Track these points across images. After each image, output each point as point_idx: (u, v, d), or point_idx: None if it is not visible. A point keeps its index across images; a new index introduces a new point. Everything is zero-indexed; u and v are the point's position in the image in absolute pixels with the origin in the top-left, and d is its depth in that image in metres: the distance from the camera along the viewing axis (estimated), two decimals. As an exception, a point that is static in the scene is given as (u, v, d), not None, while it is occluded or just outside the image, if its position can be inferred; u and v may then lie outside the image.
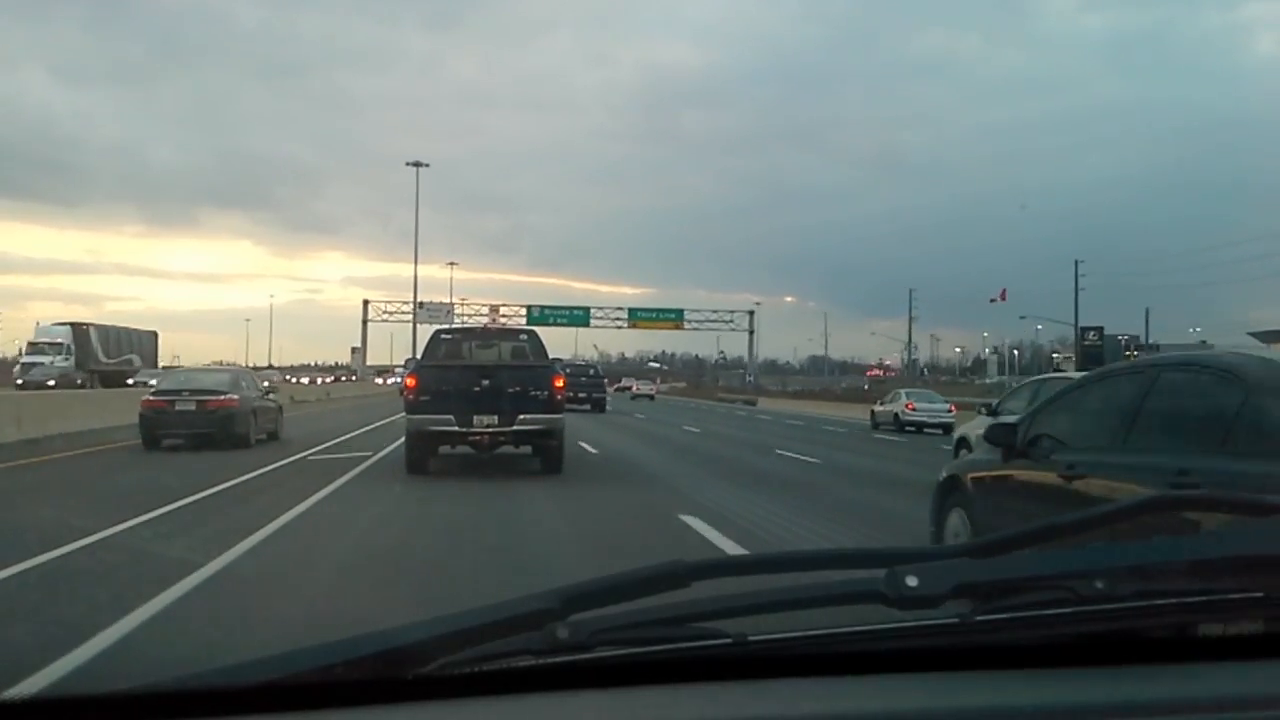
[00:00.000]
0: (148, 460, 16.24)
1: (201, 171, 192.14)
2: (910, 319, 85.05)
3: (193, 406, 17.94)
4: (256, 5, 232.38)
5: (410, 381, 13.94)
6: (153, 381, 27.18)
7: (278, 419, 20.63)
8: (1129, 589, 1.30)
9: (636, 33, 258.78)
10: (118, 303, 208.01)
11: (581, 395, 35.38)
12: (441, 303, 77.29)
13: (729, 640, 1.25)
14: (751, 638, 1.26)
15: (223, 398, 18.17)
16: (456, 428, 13.38)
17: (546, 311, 77.64)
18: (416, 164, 61.81)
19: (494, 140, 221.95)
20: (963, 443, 16.63)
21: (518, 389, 13.52)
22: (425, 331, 55.40)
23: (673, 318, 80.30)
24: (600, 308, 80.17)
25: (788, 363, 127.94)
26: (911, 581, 1.23)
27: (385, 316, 78.59)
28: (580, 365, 44.57)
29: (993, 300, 67.54)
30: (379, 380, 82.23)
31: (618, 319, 79.67)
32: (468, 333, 16.24)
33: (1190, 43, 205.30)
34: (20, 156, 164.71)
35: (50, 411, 20.70)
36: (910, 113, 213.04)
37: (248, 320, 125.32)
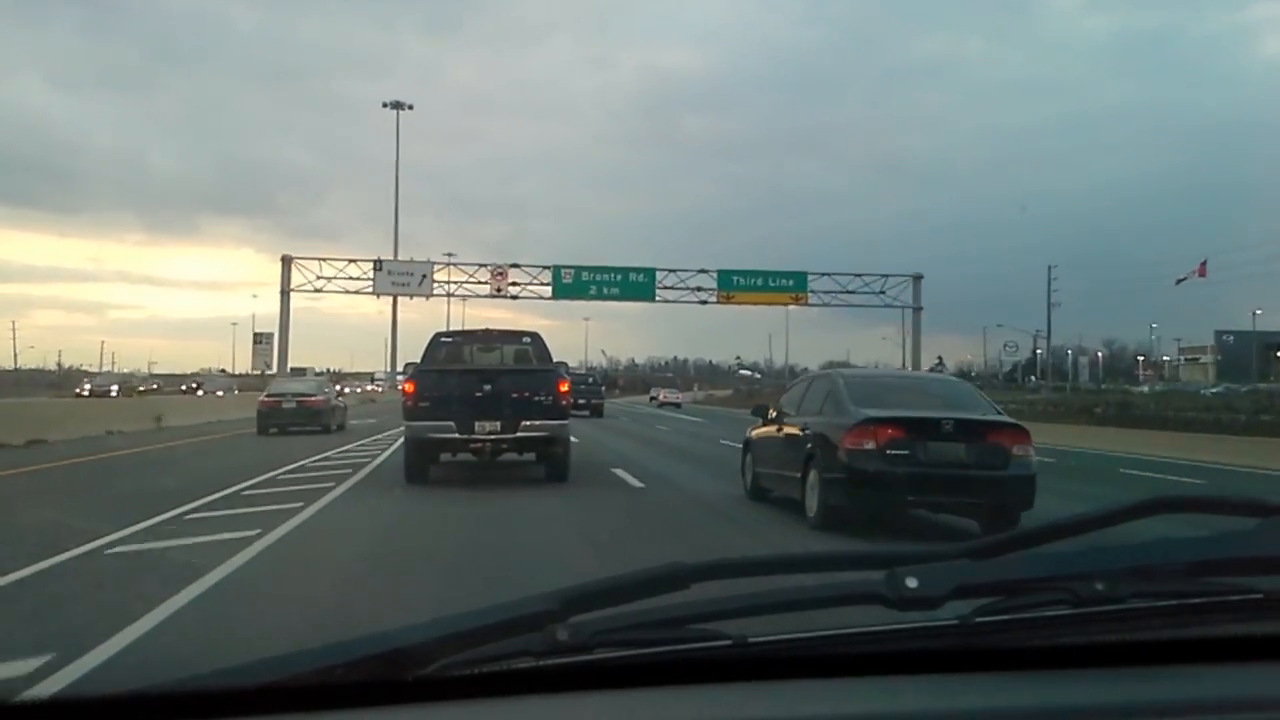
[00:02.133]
0: (275, 440, 23.60)
1: (202, 178, 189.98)
2: (1049, 305, 64.51)
3: (294, 405, 25.98)
4: (252, 9, 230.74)
5: (409, 387, 13.53)
6: None
7: (344, 415, 28.77)
8: (1129, 590, 1.30)
9: (637, 37, 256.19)
10: (120, 311, 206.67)
11: (581, 401, 39.11)
12: (411, 261, 48.72)
13: (729, 642, 1.26)
14: (751, 639, 1.26)
15: (314, 398, 26.71)
16: (457, 434, 13.01)
17: (584, 278, 46.85)
18: (396, 105, 53.47)
19: (494, 146, 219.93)
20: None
21: (521, 394, 13.12)
22: (383, 303, 47.54)
23: (791, 287, 48.44)
24: (674, 271, 47.85)
25: (805, 369, 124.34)
26: (911, 583, 1.23)
27: (322, 284, 46.50)
28: (580, 375, 47.04)
29: (1180, 280, 52.15)
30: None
31: (701, 290, 47.49)
32: (469, 336, 15.77)
33: (1196, 45, 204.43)
34: (18, 163, 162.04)
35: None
36: (913, 117, 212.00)
37: (234, 324, 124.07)
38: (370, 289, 46.08)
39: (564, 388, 13.54)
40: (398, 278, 46.35)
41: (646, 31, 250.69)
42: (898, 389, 11.39)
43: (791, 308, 50.25)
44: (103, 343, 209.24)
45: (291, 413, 25.66)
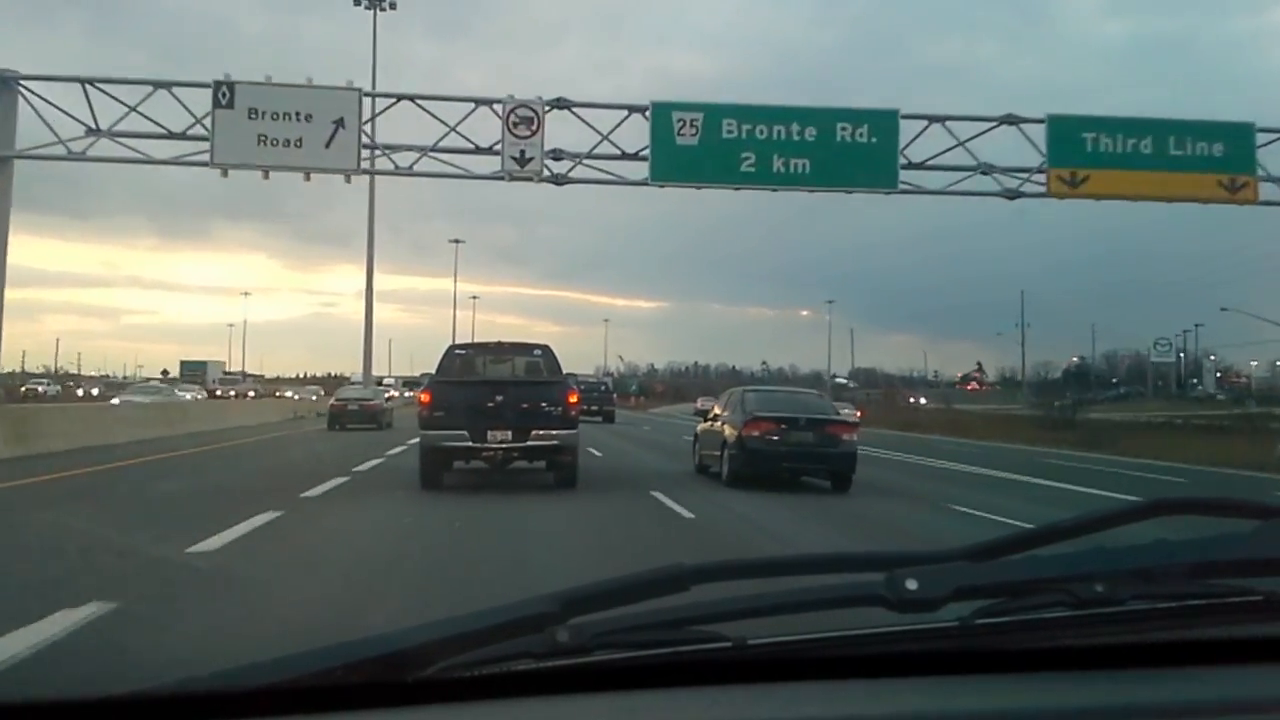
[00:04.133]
0: (345, 434, 28.93)
1: (213, 183, 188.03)
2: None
3: (357, 407, 33.62)
4: (257, 11, 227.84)
5: (424, 397, 14.02)
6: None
7: (392, 414, 35.69)
8: (1129, 592, 1.30)
9: (646, 40, 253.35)
10: (134, 316, 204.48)
11: (594, 409, 41.09)
12: (308, 84, 19.20)
13: (729, 644, 1.26)
14: (751, 641, 1.27)
15: (372, 402, 34.54)
16: (470, 443, 13.42)
17: (729, 135, 19.00)
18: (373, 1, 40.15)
19: None
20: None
21: (531, 404, 13.59)
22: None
23: (1219, 161, 19.17)
24: (941, 120, 19.24)
25: (835, 375, 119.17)
26: (911, 585, 1.23)
27: (90, 143, 19.29)
28: (592, 382, 50.45)
29: None
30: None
31: (1008, 173, 19.49)
32: (482, 348, 16.31)
33: (1213, 49, 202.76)
34: (27, 166, 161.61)
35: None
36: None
37: (230, 325, 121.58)
38: (207, 155, 19.22)
39: (573, 399, 14.01)
40: (274, 126, 19.22)
41: (656, 34, 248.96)
42: (780, 400, 17.05)
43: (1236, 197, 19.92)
44: (58, 340, 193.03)
45: (354, 413, 33.14)
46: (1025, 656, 1.32)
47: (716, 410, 17.30)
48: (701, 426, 17.99)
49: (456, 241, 79.31)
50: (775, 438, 14.90)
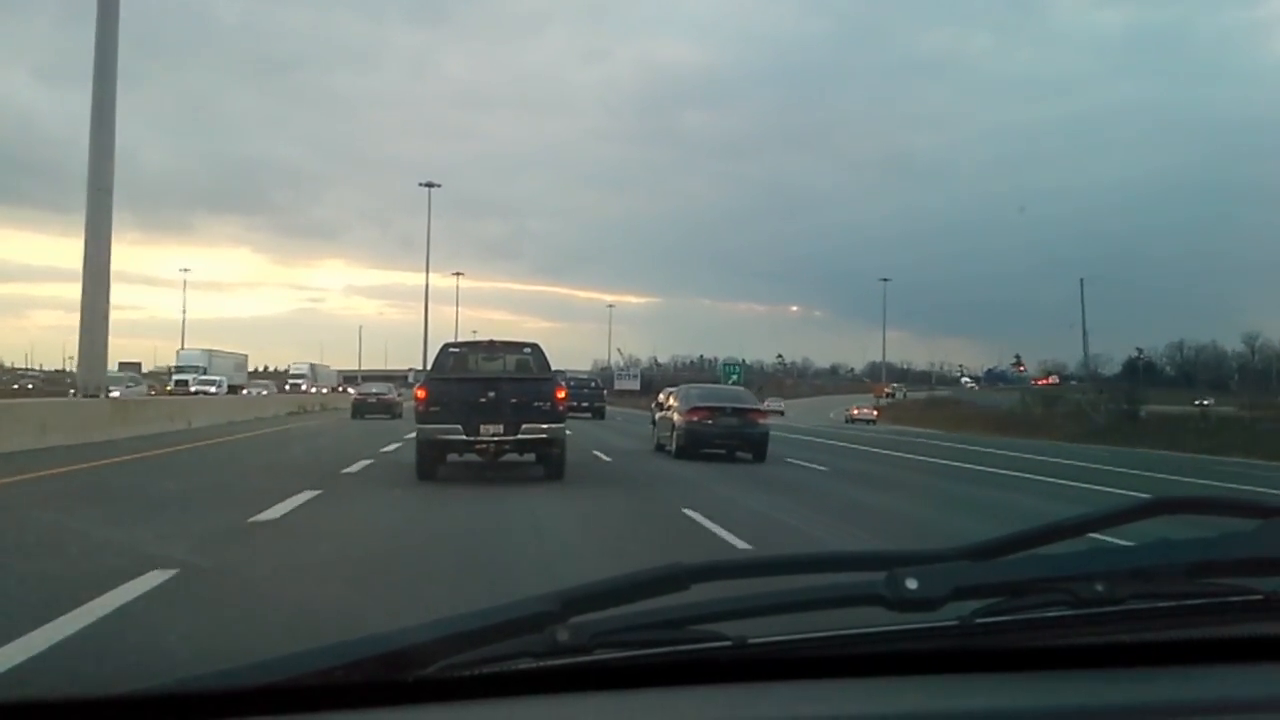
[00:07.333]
0: (366, 422, 34.05)
1: (195, 176, 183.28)
2: None
3: (375, 400, 39.64)
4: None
5: (420, 393, 14.59)
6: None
7: (401, 406, 39.15)
8: (1129, 591, 1.30)
9: (633, 28, 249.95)
10: (119, 311, 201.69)
11: (584, 405, 42.64)
12: None
13: (728, 643, 1.26)
14: (751, 640, 1.26)
15: (387, 396, 40.34)
16: (464, 436, 13.97)
17: None
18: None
19: (490, 143, 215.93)
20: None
21: (522, 399, 14.08)
22: None
23: None
24: None
25: (851, 369, 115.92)
26: (911, 584, 1.23)
27: None
28: (583, 379, 52.18)
29: None
30: None
31: None
32: (474, 346, 17.10)
33: (1208, 40, 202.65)
34: (10, 160, 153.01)
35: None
36: (917, 114, 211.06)
37: (183, 313, 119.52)
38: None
39: (561, 394, 14.61)
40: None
41: (643, 23, 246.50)
42: (716, 393, 22.57)
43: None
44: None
45: (373, 405, 39.08)
46: (1025, 656, 1.32)
47: (670, 401, 21.95)
48: (659, 415, 23.05)
49: (429, 185, 64.83)
50: (710, 421, 19.89)
